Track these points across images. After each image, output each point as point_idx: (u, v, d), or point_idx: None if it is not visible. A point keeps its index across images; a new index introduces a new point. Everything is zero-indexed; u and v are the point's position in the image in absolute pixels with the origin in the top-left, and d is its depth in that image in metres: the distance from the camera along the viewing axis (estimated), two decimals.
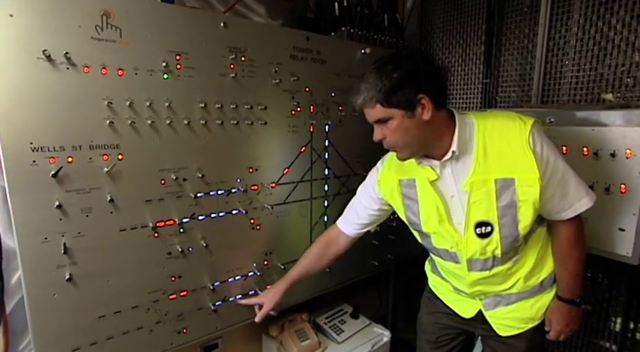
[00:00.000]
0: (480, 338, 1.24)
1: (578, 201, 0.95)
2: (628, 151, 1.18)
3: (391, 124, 0.91)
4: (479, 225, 0.96)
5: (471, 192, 0.94)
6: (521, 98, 1.67)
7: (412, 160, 1.01)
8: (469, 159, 0.95)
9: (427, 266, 1.31)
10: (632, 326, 1.35)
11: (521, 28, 1.65)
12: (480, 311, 1.11)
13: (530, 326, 1.08)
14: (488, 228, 0.96)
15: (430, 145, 0.96)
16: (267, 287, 1.29)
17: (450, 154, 0.95)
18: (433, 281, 1.26)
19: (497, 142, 0.93)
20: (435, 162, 0.99)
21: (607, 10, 1.37)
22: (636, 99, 1.32)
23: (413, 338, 2.16)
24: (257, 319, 1.22)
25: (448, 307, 1.19)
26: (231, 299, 1.23)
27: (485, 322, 1.11)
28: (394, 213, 1.18)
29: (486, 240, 0.97)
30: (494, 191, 0.93)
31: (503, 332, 1.09)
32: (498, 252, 0.98)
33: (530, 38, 1.61)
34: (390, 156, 1.12)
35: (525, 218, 0.94)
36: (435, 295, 1.24)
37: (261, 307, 1.22)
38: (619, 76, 1.36)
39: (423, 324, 1.30)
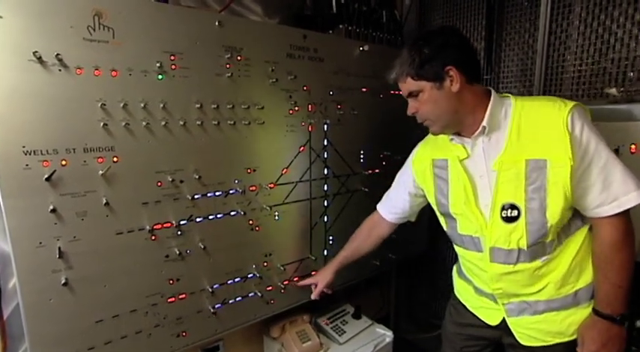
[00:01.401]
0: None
1: (625, 195, 0.85)
2: (633, 146, 1.16)
3: (422, 97, 0.96)
4: (505, 207, 0.93)
5: (499, 172, 0.93)
6: (522, 93, 1.64)
7: (446, 139, 1.04)
8: (502, 138, 0.93)
9: (454, 271, 1.29)
10: (638, 324, 1.33)
11: (522, 22, 1.62)
12: (504, 319, 1.06)
13: (558, 341, 0.99)
14: (515, 212, 0.92)
15: (462, 120, 0.97)
16: (268, 288, 1.29)
17: (480, 129, 0.95)
18: (458, 286, 1.24)
19: (534, 122, 0.90)
20: (467, 140, 0.99)
21: (609, 2, 1.34)
22: None
23: (416, 338, 2.15)
24: (313, 296, 1.35)
25: (473, 315, 1.15)
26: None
27: (511, 332, 1.04)
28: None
29: (512, 225, 0.92)
30: (524, 172, 0.89)
31: (525, 342, 1.02)
32: (524, 243, 0.92)
33: (531, 32, 1.59)
34: (426, 139, 1.17)
35: (554, 204, 0.88)
36: (460, 302, 1.21)
37: (316, 286, 1.34)
38: (622, 70, 1.34)
39: (448, 333, 1.28)
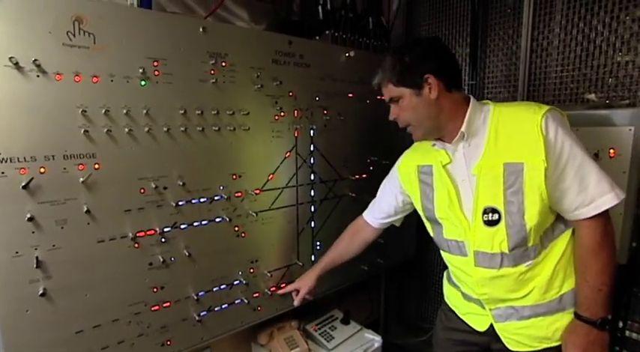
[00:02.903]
0: None
1: (601, 197, 0.85)
2: (612, 151, 1.19)
3: (402, 103, 1.00)
4: (486, 211, 0.94)
5: (479, 176, 0.95)
6: (507, 99, 1.67)
7: (427, 148, 1.07)
8: (481, 143, 0.96)
9: (444, 277, 1.29)
10: (620, 325, 1.35)
11: (505, 29, 1.66)
12: (491, 325, 1.06)
13: (546, 346, 0.99)
14: (496, 215, 0.93)
15: (442, 126, 1.00)
16: (254, 294, 1.28)
17: (459, 135, 0.97)
18: (447, 292, 1.25)
19: (510, 127, 0.92)
20: (449, 145, 1.01)
21: (587, 11, 1.38)
22: (619, 99, 1.33)
23: (406, 342, 2.15)
24: (295, 303, 1.34)
25: (462, 321, 1.15)
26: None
27: (499, 338, 1.05)
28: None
29: (494, 229, 0.94)
30: (502, 176, 0.91)
31: (513, 347, 1.03)
32: (505, 246, 0.93)
33: (515, 39, 1.62)
34: (413, 146, 1.20)
35: (532, 206, 0.89)
36: (450, 308, 1.22)
37: (297, 293, 1.33)
38: (601, 76, 1.37)
39: (438, 338, 1.28)
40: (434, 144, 1.05)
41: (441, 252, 1.15)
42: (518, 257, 0.95)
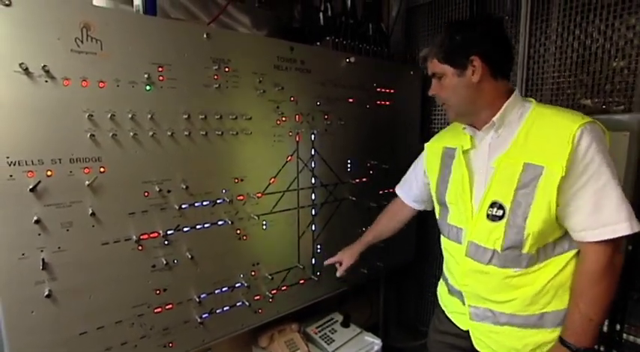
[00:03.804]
0: None
1: (614, 224, 0.80)
2: None
3: (443, 80, 0.98)
4: (493, 205, 0.94)
5: (497, 169, 0.94)
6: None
7: (459, 130, 1.07)
8: (509, 138, 0.94)
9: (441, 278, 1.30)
10: (618, 327, 1.37)
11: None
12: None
13: None
14: (500, 212, 0.92)
15: (478, 112, 0.98)
16: (255, 297, 1.29)
17: (490, 124, 0.97)
18: (439, 289, 1.27)
19: (545, 129, 0.88)
20: (478, 132, 1.02)
21: (583, 19, 1.41)
22: (615, 105, 1.35)
23: (405, 345, 2.15)
24: (338, 274, 1.41)
25: (452, 323, 1.16)
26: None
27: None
28: None
29: (494, 224, 0.93)
30: (518, 174, 0.89)
31: (478, 347, 1.05)
32: (499, 244, 0.93)
33: (512, 45, 1.64)
34: (450, 126, 1.20)
35: (537, 213, 0.86)
36: (442, 309, 1.23)
37: (341, 265, 1.40)
38: (597, 82, 1.40)
39: (431, 341, 1.30)
40: (464, 128, 1.05)
41: (441, 237, 1.17)
42: (508, 259, 0.93)
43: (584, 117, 0.86)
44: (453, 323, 1.16)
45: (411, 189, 1.32)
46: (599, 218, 0.82)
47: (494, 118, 0.95)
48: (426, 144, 1.24)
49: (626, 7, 1.30)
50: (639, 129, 1.22)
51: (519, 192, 0.89)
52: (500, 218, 0.92)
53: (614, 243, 0.83)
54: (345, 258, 1.39)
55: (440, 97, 1.02)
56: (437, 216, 1.18)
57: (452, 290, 1.14)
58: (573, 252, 0.92)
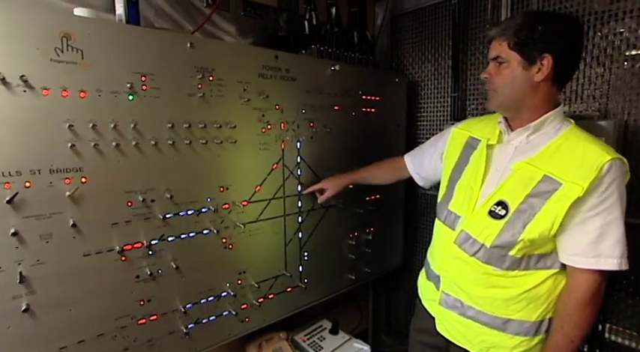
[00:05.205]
0: None
1: (608, 257, 0.84)
2: None
3: (504, 67, 0.94)
4: (498, 203, 0.94)
5: (514, 172, 0.94)
6: (488, 110, 1.73)
7: (493, 122, 1.06)
8: (538, 147, 0.93)
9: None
10: (599, 327, 1.39)
11: (485, 43, 1.72)
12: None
13: (462, 345, 1.04)
14: (503, 212, 0.92)
15: (521, 110, 0.96)
16: (242, 306, 1.27)
17: (525, 127, 0.95)
18: (420, 278, 1.27)
19: (576, 151, 0.88)
20: (511, 132, 1.00)
21: None
22: (590, 111, 1.39)
23: (394, 351, 2.16)
24: (319, 200, 1.41)
25: (428, 318, 1.16)
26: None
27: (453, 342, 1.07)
28: None
29: (492, 221, 0.94)
30: (536, 182, 0.89)
31: (439, 328, 1.09)
32: (490, 241, 0.94)
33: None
34: (484, 116, 1.19)
35: (538, 223, 0.87)
36: (421, 302, 1.23)
37: (322, 193, 1.40)
38: (574, 89, 1.44)
39: (410, 340, 1.31)
40: (500, 122, 1.03)
41: (436, 219, 1.17)
42: (493, 257, 0.95)
43: (616, 152, 0.87)
44: (428, 314, 1.16)
45: (422, 164, 1.32)
46: (596, 248, 0.85)
47: (532, 124, 0.94)
48: (452, 129, 1.20)
49: (599, 18, 1.35)
50: (615, 134, 1.26)
51: (530, 199, 0.89)
52: (502, 217, 0.93)
53: (604, 272, 0.87)
54: (329, 187, 1.39)
55: (492, 82, 0.97)
56: (438, 199, 1.17)
57: (430, 276, 1.16)
58: (554, 270, 0.94)
